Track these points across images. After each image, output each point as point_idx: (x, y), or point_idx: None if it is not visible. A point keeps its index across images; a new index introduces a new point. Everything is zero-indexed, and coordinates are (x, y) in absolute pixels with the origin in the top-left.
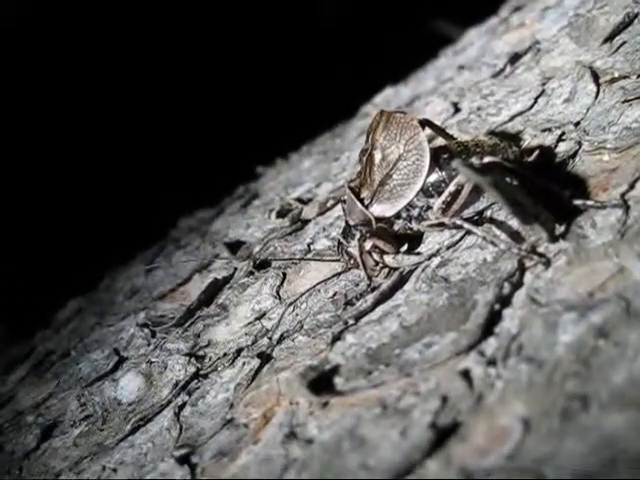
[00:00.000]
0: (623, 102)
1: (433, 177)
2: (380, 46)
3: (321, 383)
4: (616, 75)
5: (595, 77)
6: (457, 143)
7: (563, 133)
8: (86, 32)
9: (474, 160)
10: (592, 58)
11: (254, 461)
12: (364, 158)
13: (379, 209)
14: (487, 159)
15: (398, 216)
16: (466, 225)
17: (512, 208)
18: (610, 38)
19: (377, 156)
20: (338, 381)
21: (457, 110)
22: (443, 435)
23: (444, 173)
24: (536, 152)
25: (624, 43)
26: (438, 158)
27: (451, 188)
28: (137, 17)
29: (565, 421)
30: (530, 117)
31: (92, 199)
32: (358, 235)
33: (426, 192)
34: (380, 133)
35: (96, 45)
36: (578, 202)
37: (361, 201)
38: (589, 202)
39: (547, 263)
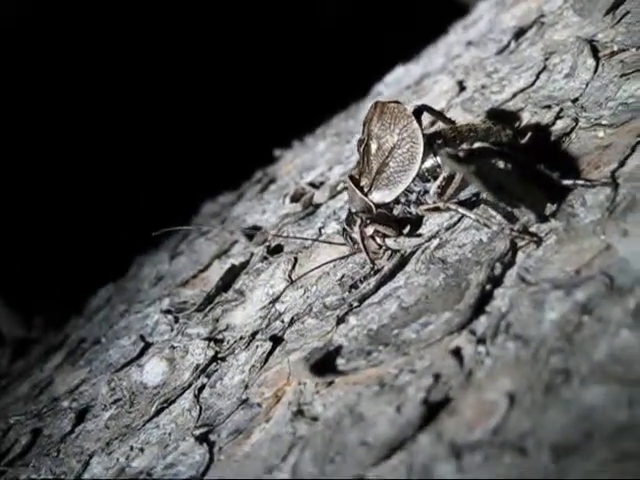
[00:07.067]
0: (621, 76)
1: (428, 163)
2: (380, 46)
3: (325, 364)
4: (615, 49)
5: (594, 51)
6: (451, 128)
7: (561, 110)
8: (86, 32)
9: (464, 146)
10: (594, 31)
11: (265, 439)
12: (361, 148)
13: (378, 196)
14: (477, 144)
15: (397, 201)
16: (460, 209)
17: (497, 195)
18: (613, 8)
19: (373, 145)
20: (340, 362)
21: (462, 89)
22: (435, 410)
23: (438, 158)
24: (531, 132)
25: (627, 13)
26: (432, 144)
27: (445, 173)
28: (143, 15)
29: (548, 395)
30: (531, 94)
31: (118, 190)
32: (359, 221)
33: (422, 177)
34: (375, 123)
35: (97, 44)
36: (568, 182)
37: (361, 189)
38: (579, 181)
39: (538, 242)
